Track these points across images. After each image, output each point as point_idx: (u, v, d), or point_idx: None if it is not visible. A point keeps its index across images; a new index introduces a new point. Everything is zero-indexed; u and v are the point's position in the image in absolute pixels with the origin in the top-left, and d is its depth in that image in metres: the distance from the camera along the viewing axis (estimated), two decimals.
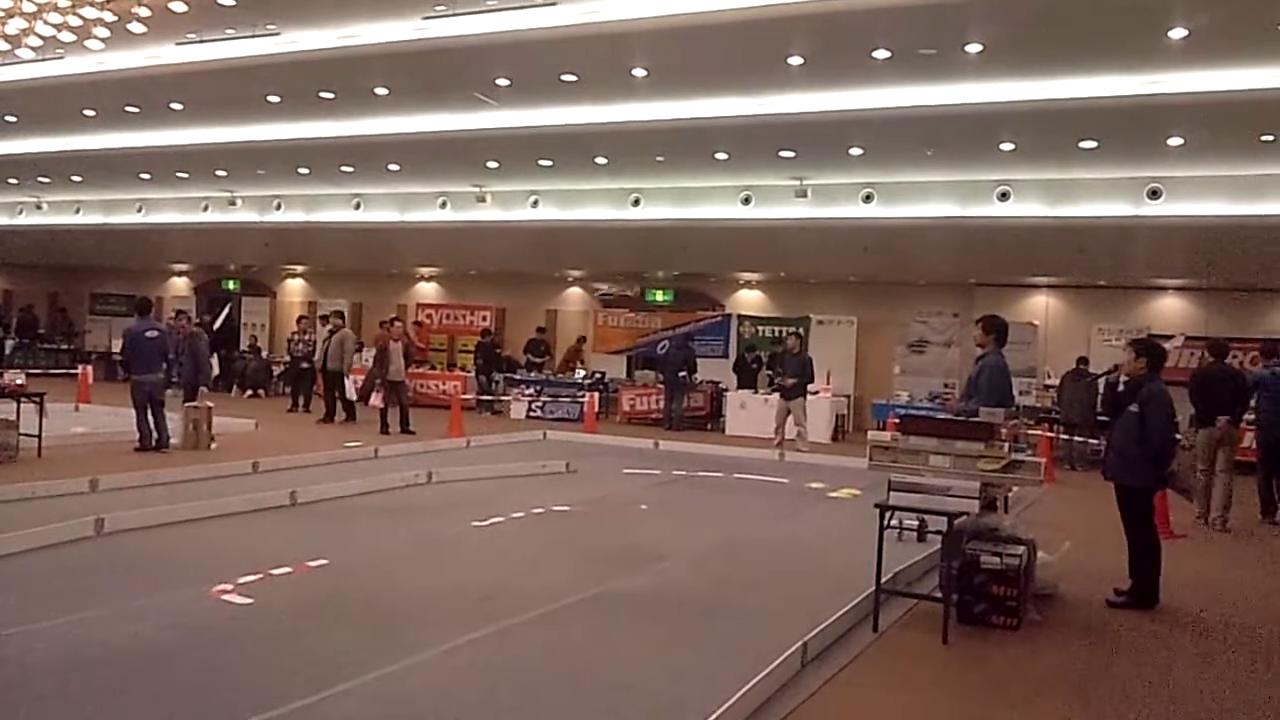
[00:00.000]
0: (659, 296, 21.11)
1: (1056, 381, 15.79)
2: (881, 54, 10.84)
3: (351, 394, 16.14)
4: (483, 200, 19.24)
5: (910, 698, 4.95)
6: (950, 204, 15.92)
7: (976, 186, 15.66)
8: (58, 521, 7.39)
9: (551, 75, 12.50)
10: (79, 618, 5.51)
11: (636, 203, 18.15)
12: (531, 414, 18.27)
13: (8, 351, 22.63)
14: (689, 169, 16.76)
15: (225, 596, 6.00)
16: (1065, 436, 14.72)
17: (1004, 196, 15.37)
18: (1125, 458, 6.93)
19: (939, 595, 6.13)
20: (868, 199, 16.27)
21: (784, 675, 4.88)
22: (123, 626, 5.40)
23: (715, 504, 10.44)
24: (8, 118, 16.64)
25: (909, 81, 11.79)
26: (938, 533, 6.34)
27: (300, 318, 19.59)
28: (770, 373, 17.74)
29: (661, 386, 18.12)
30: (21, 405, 11.12)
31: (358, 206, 20.68)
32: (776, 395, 15.46)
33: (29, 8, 11.12)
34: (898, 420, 8.23)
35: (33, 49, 12.26)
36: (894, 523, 6.70)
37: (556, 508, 9.44)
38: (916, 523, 7.84)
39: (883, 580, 6.04)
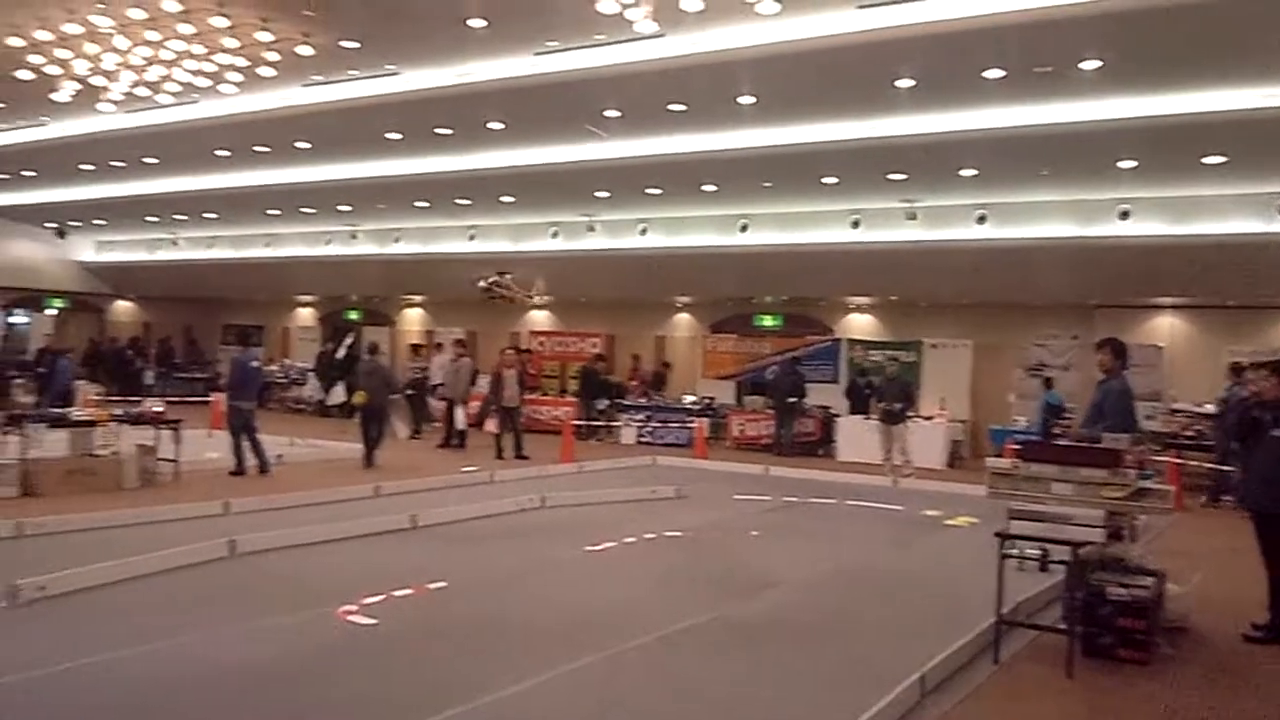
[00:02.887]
0: (767, 321, 21.05)
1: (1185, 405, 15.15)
2: (994, 73, 10.67)
3: (461, 422, 16.49)
4: (592, 229, 19.53)
5: None
6: (1068, 224, 15.48)
7: (1095, 205, 15.18)
8: (193, 543, 7.77)
9: (660, 105, 12.66)
10: (214, 635, 5.79)
11: (744, 228, 18.17)
12: (641, 439, 18.37)
13: (148, 381, 23.83)
14: (797, 193, 16.72)
15: (350, 617, 6.22)
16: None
17: (1124, 215, 14.87)
18: (1270, 483, 6.61)
19: (1063, 627, 5.96)
20: (981, 220, 15.95)
21: (903, 705, 4.81)
22: (254, 645, 5.65)
23: (827, 531, 10.33)
24: (147, 159, 17.61)
25: (1023, 100, 11.56)
26: (1060, 563, 6.17)
27: (414, 345, 20.15)
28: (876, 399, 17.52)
29: (771, 412, 18.04)
30: (160, 431, 11.74)
31: (472, 238, 21.21)
32: (879, 421, 15.22)
33: (167, 55, 11.81)
34: (1016, 446, 8.03)
35: (171, 94, 13.03)
36: (1014, 552, 6.54)
37: (668, 533, 9.49)
38: (1038, 552, 7.61)
39: (1003, 611, 5.90)
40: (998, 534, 5.94)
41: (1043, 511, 5.90)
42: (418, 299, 25.21)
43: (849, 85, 11.53)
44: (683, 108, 12.66)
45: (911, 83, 11.12)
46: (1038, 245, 15.64)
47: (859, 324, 20.05)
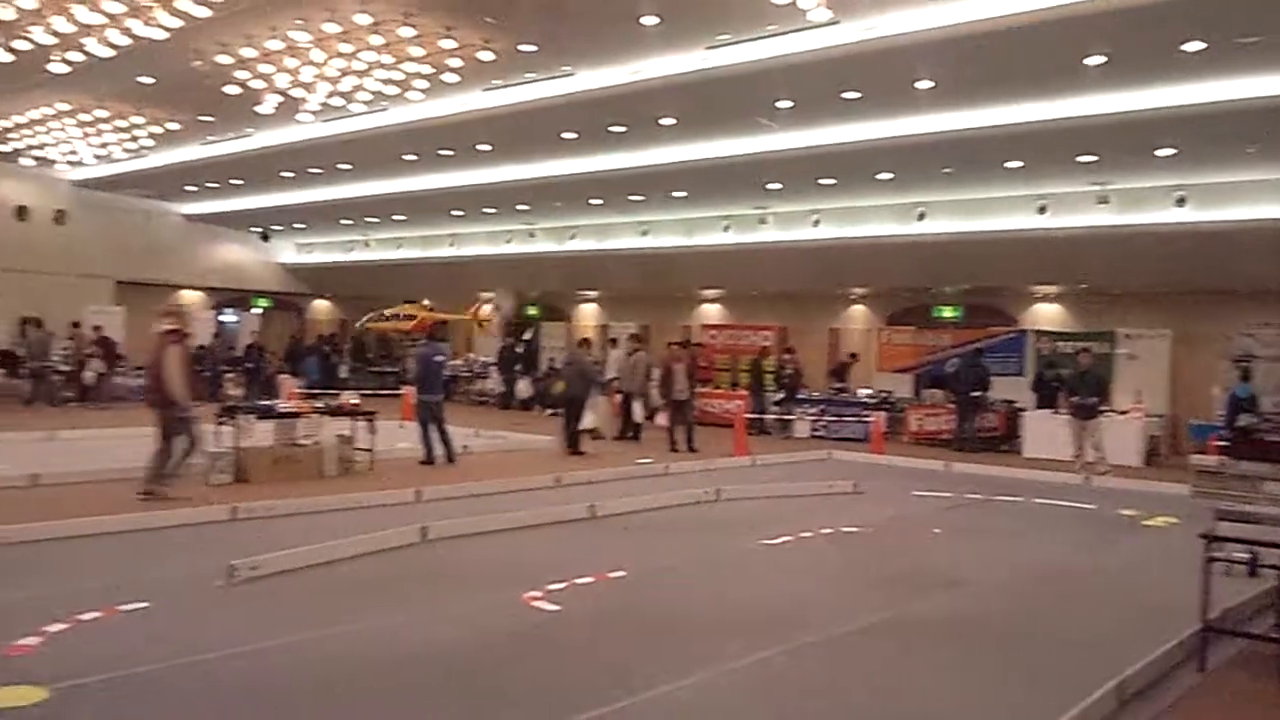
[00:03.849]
0: (947, 313, 20.42)
1: None
2: (1193, 46, 10.02)
3: (638, 415, 16.72)
4: (764, 222, 19.45)
5: None
6: (1277, 205, 14.37)
7: None
8: (388, 529, 8.19)
9: (833, 94, 12.50)
10: (408, 617, 6.10)
11: (922, 217, 17.71)
12: (816, 433, 18.15)
13: (343, 375, 25.23)
14: (978, 179, 16.17)
15: (535, 603, 6.43)
16: None
17: None
18: None
19: (1275, 636, 5.56)
20: (1180, 202, 15.01)
21: (1099, 712, 4.60)
22: (445, 627, 5.92)
23: (1014, 529, 9.96)
24: (341, 166, 18.67)
25: (1225, 74, 10.81)
26: (1272, 567, 5.76)
27: (582, 339, 20.52)
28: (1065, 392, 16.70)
29: (952, 406, 17.49)
30: (356, 423, 12.42)
31: (645, 233, 21.49)
32: (1069, 415, 14.47)
33: (359, 66, 12.49)
34: (1222, 443, 7.53)
35: (363, 103, 13.77)
36: (1221, 555, 6.14)
37: (845, 529, 9.36)
38: (1247, 556, 7.13)
39: (1209, 617, 5.55)
40: (1203, 535, 5.59)
41: (1253, 512, 5.51)
42: (592, 294, 25.74)
43: (1034, 65, 11.07)
44: (856, 95, 12.46)
45: (1102, 59, 10.59)
46: (1243, 228, 14.62)
47: (1046, 314, 19.19)
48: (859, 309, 21.65)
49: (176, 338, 10.07)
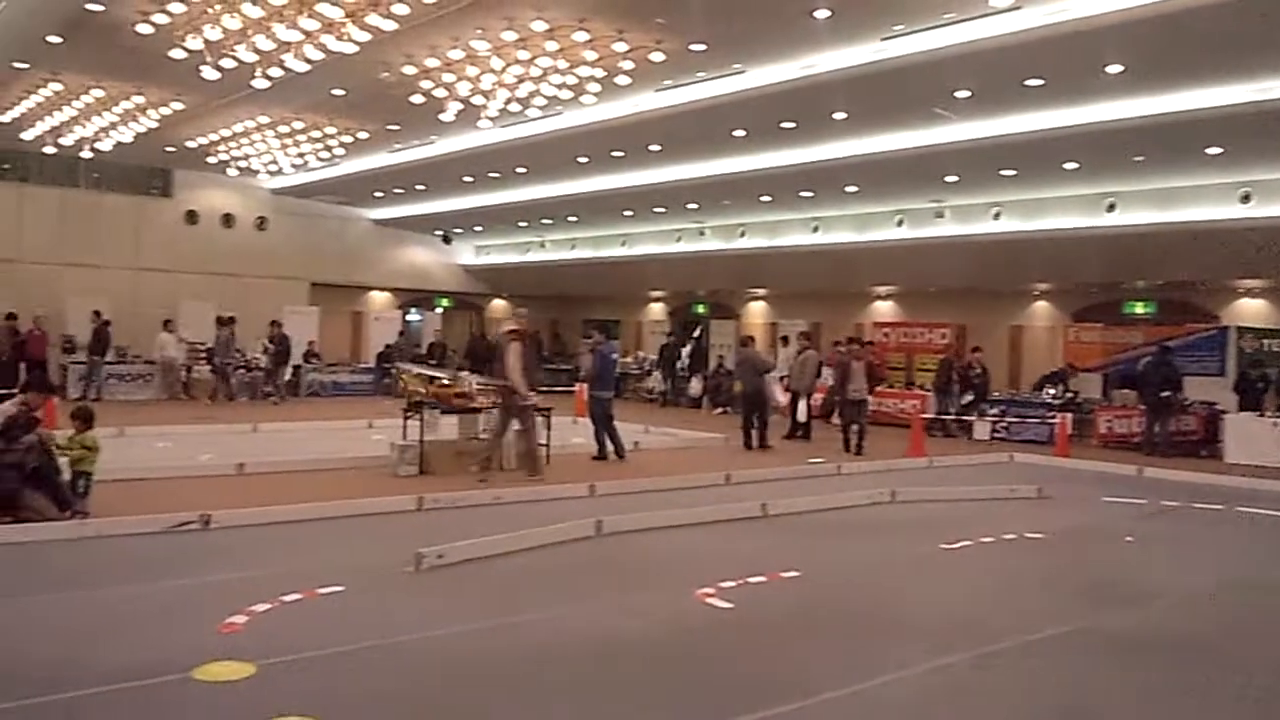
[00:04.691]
0: (1138, 308, 19.31)
1: None
2: None
3: (802, 414, 16.51)
4: (941, 216, 18.88)
5: None
6: None
7: None
8: (564, 521, 8.38)
9: (1015, 81, 12.01)
10: (583, 609, 6.24)
11: (1111, 208, 16.80)
12: (996, 435, 17.45)
13: None
14: (1173, 167, 15.23)
15: (708, 600, 6.44)
16: None
17: None
18: None
19: None
20: None
21: None
22: (619, 620, 6.01)
23: (1216, 539, 9.32)
24: (518, 169, 19.22)
25: None
26: None
27: (746, 336, 20.41)
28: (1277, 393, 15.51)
29: (1142, 407, 16.51)
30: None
31: (816, 229, 21.22)
32: None
33: (535, 72, 12.82)
34: None
35: (538, 108, 14.13)
36: None
37: (1029, 535, 8.98)
38: None
39: None
40: None
41: None
42: (761, 292, 25.60)
43: (1236, 42, 10.31)
44: (1040, 82, 11.93)
45: None
46: None
47: (1250, 310, 17.88)
48: (1042, 305, 20.72)
49: (517, 336, 11.57)
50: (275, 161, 19.95)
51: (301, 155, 19.28)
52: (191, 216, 23.97)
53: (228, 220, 24.52)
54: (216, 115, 17.04)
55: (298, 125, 17.37)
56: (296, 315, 23.84)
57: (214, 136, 18.62)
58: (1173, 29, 10.05)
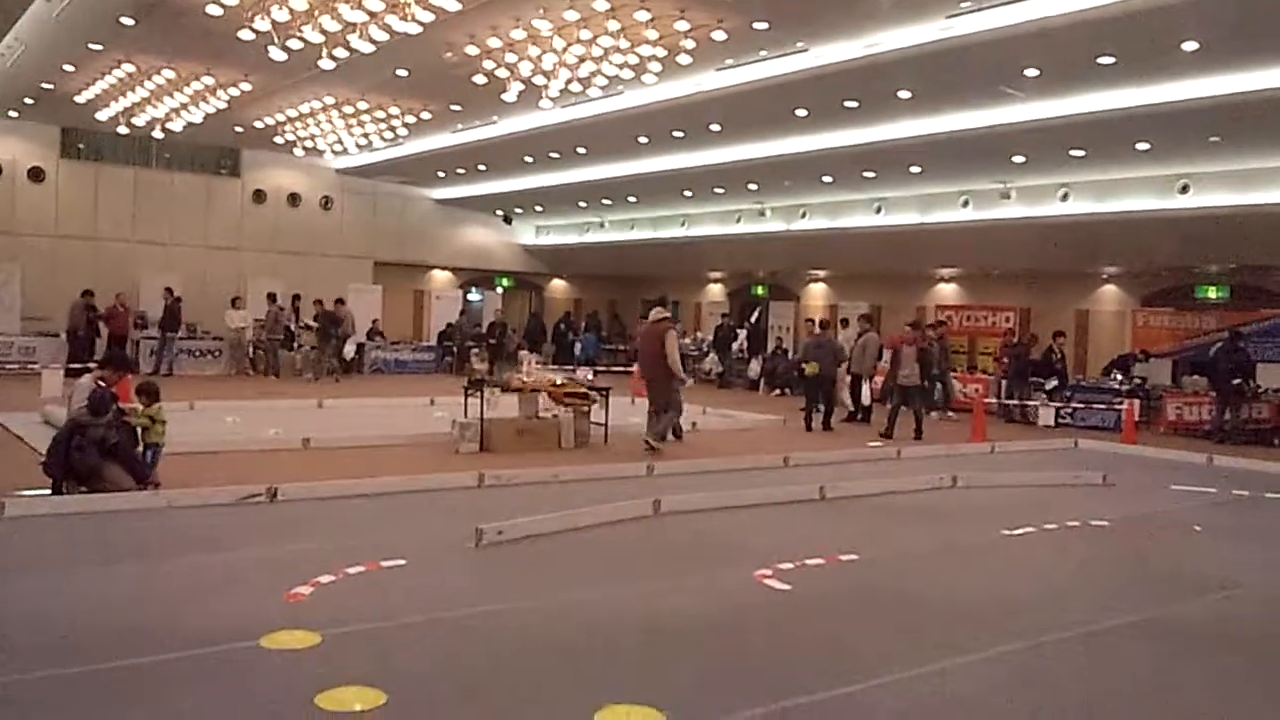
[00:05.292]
0: (1211, 293, 18.80)
1: None
2: None
3: (865, 397, 16.38)
4: (1007, 197, 18.54)
5: None
6: None
7: None
8: (623, 500, 8.43)
9: (1086, 59, 11.72)
10: (642, 587, 6.28)
11: (1185, 189, 16.35)
12: (1061, 421, 17.13)
13: (578, 352, 26.12)
14: (1251, 148, 14.74)
15: (766, 581, 6.44)
16: None
17: None
18: None
19: None
20: None
21: None
22: (678, 599, 6.04)
23: None
24: (578, 149, 19.25)
25: None
26: None
27: (808, 320, 20.29)
28: None
29: (1213, 394, 16.10)
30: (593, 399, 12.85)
31: (878, 210, 20.96)
32: None
33: (597, 52, 12.81)
34: None
35: (599, 88, 14.12)
36: None
37: (1094, 522, 8.83)
38: None
39: None
40: None
41: None
42: (822, 274, 25.39)
43: None
44: (1111, 60, 11.63)
45: None
46: None
47: None
48: (1110, 289, 20.28)
49: (671, 324, 12.80)
50: (340, 142, 20.22)
51: (366, 135, 19.52)
52: (259, 196, 24.41)
53: (294, 200, 24.92)
54: (283, 96, 17.31)
55: (362, 106, 17.57)
56: (360, 293, 24.22)
57: (281, 117, 18.91)
58: (1250, 3, 9.74)
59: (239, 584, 5.99)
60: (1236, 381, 15.36)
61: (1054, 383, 17.59)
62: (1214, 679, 5.04)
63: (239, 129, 20.34)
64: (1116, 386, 17.44)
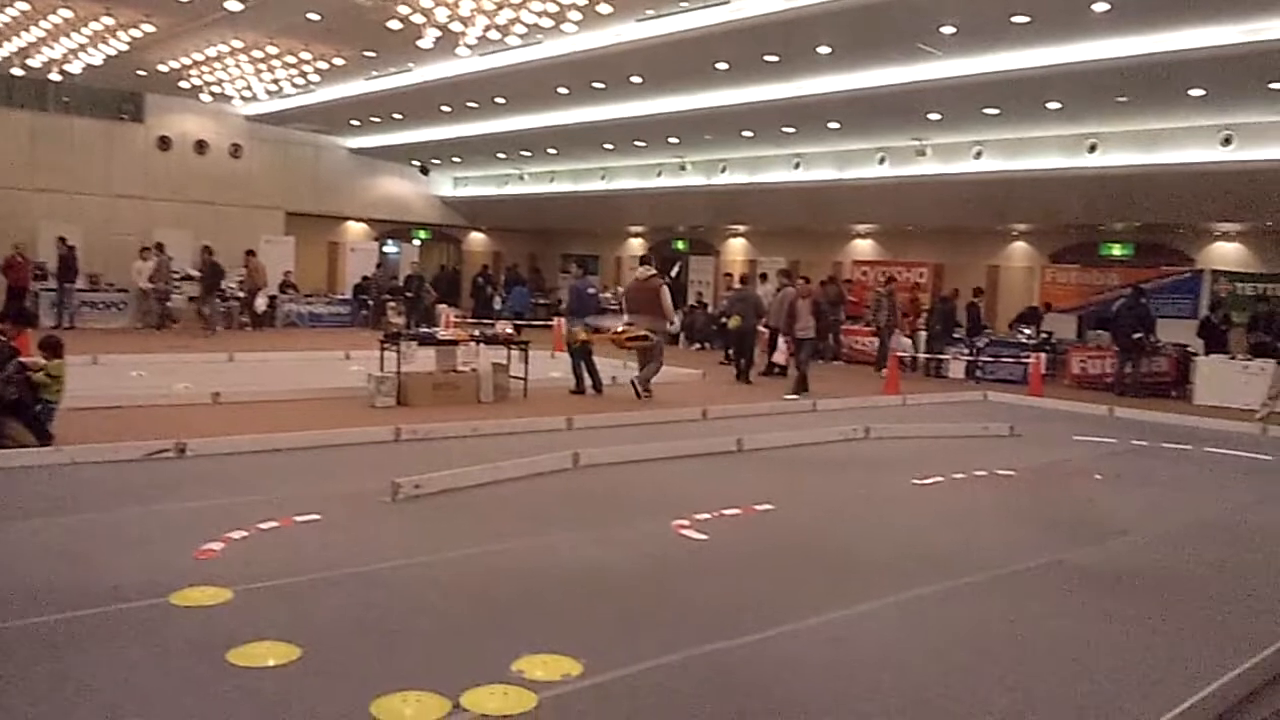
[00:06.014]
0: (1115, 251, 19.40)
1: None
2: None
3: (780, 353, 16.56)
4: (923, 154, 18.80)
5: None
6: None
7: None
8: (542, 454, 8.42)
9: (1002, 17, 11.87)
10: (561, 539, 6.30)
11: (1093, 149, 16.78)
12: (971, 374, 17.60)
13: (496, 305, 25.89)
14: (1156, 109, 15.17)
15: (683, 531, 6.52)
16: None
17: None
18: None
19: None
20: None
21: (1267, 672, 4.38)
22: (595, 550, 6.08)
23: (1183, 479, 9.48)
24: (496, 99, 18.92)
25: None
26: None
27: (725, 274, 20.42)
28: (1258, 336, 15.64)
29: (1115, 348, 16.67)
30: (511, 351, 12.78)
31: (797, 166, 21.09)
32: (1268, 362, 13.47)
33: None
34: None
35: (518, 36, 13.86)
36: None
37: (1001, 471, 9.11)
38: None
39: None
40: None
41: None
42: (741, 229, 25.51)
43: None
44: (1026, 19, 11.80)
45: None
46: None
47: (1225, 253, 18.01)
48: (1020, 246, 20.79)
49: (661, 279, 13.78)
50: (249, 87, 19.52)
51: (276, 81, 18.87)
52: (164, 143, 23.53)
53: (201, 147, 24.09)
54: (189, 38, 16.64)
55: (272, 50, 16.97)
56: (273, 245, 23.61)
57: (186, 60, 18.19)
58: None
59: (147, 541, 5.85)
60: (1137, 336, 15.92)
61: (985, 340, 18.09)
62: (1108, 617, 5.25)
63: (142, 72, 19.53)
64: (1024, 341, 17.94)
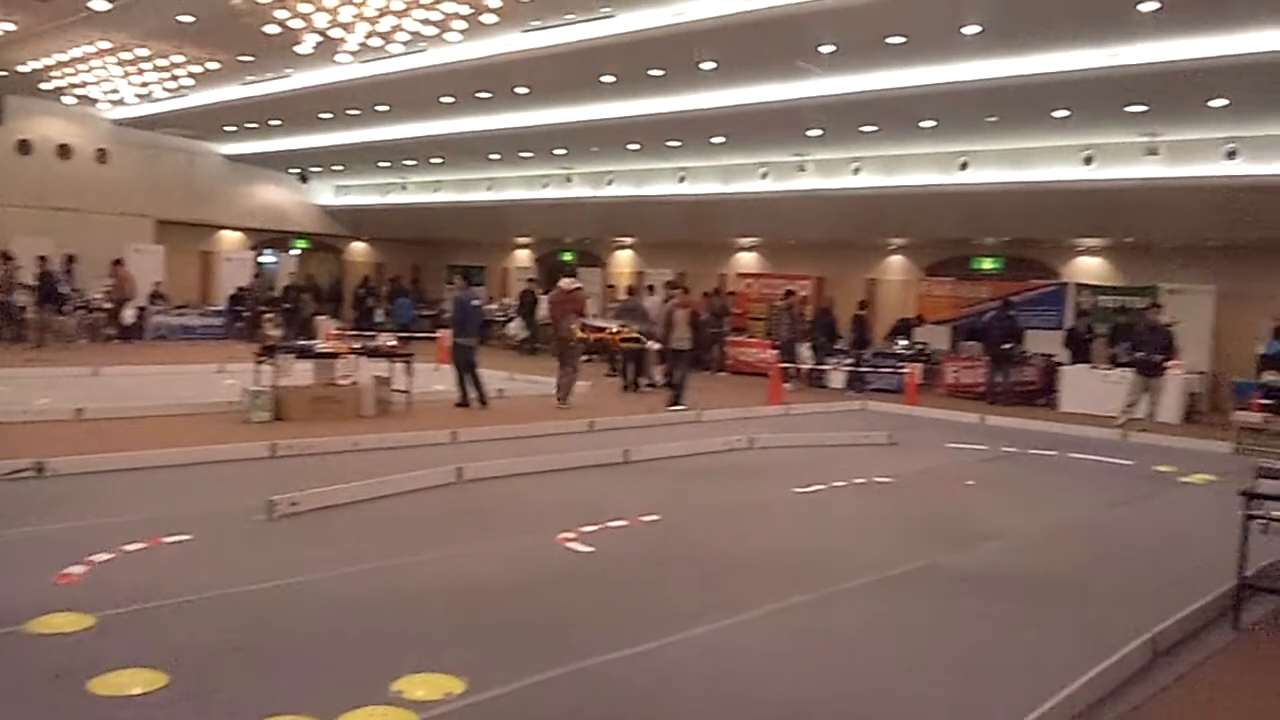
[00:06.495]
0: (986, 264, 20.17)
1: None
2: None
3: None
4: (803, 169, 19.20)
5: (1277, 704, 4.52)
6: None
7: None
8: (425, 468, 8.28)
9: (877, 38, 12.23)
10: (445, 553, 6.21)
11: (964, 166, 17.41)
12: (850, 384, 18.03)
13: (377, 319, 25.37)
14: (1023, 129, 15.83)
15: (569, 544, 6.50)
16: None
17: None
18: None
19: None
20: (1231, 155, 14.61)
21: (1131, 666, 4.61)
22: (478, 565, 6.01)
23: (1049, 483, 9.90)
24: (378, 107, 18.58)
25: None
26: None
27: (609, 285, 20.50)
28: (1121, 347, 16.42)
29: (986, 359, 17.33)
30: (393, 364, 12.54)
31: (682, 179, 21.30)
32: (1128, 371, 14.13)
33: (398, 5, 12.37)
34: (1265, 401, 7.42)
35: (401, 44, 13.67)
36: (1260, 513, 6.07)
37: (879, 479, 9.36)
38: None
39: (1246, 574, 5.51)
40: (1243, 493, 5.53)
41: None
42: (628, 241, 25.63)
43: (1085, 10, 10.74)
44: (901, 40, 12.17)
45: (1155, 5, 10.26)
46: None
47: (1088, 267, 18.89)
48: (897, 259, 21.42)
49: (585, 293, 14.57)
50: (117, 90, 18.76)
51: (146, 85, 18.19)
52: (24, 146, 22.35)
53: (64, 152, 22.96)
54: (52, 38, 15.85)
55: (142, 53, 16.33)
56: (142, 254, 22.69)
57: (49, 61, 17.34)
58: None
59: (2, 566, 5.54)
60: (1007, 346, 16.59)
61: (869, 351, 18.53)
62: (979, 617, 5.44)
63: (1, 72, 18.55)
64: (901, 352, 18.48)
